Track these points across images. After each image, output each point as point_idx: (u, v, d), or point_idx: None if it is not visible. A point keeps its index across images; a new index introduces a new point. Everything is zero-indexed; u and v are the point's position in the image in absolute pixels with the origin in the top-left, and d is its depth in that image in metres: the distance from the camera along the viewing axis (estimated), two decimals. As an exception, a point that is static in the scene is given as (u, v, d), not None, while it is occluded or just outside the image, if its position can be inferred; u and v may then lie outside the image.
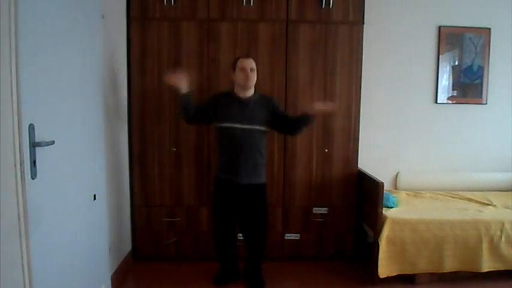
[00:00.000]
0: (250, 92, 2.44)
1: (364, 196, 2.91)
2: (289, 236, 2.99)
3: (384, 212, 2.64)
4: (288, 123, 2.49)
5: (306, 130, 2.61)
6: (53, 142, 1.53)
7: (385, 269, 2.59)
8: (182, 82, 2.35)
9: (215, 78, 2.82)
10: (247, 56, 2.50)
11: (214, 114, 2.43)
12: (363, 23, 2.86)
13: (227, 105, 2.41)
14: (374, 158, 3.24)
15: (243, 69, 2.37)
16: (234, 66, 2.42)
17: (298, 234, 2.99)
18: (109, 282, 2.29)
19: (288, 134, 2.70)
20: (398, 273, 2.61)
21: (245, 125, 2.37)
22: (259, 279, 2.59)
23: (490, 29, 3.32)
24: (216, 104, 2.44)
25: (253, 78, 2.40)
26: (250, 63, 2.40)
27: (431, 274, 2.65)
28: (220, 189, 2.51)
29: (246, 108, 2.40)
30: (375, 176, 2.77)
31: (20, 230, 1.40)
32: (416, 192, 3.25)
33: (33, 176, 1.45)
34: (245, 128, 2.37)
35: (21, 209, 1.40)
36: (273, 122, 2.47)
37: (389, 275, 2.60)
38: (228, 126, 2.39)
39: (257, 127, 2.40)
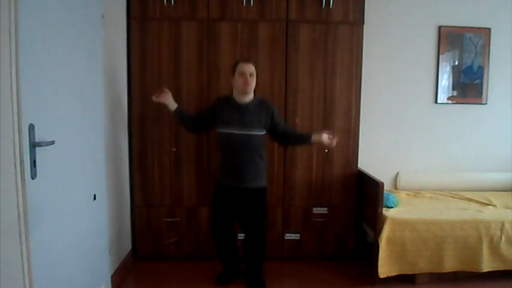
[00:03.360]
0: (249, 97, 2.42)
1: (364, 196, 2.91)
2: (289, 236, 2.99)
3: (383, 212, 2.64)
4: (283, 135, 2.49)
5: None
6: (53, 142, 1.53)
7: (385, 269, 2.59)
8: (167, 99, 2.42)
9: (215, 78, 2.82)
10: (246, 60, 2.45)
11: (214, 118, 2.43)
12: (363, 23, 2.86)
13: (226, 110, 2.40)
14: (374, 158, 3.24)
15: (242, 74, 2.34)
16: (233, 70, 2.40)
17: (298, 234, 2.99)
18: (109, 282, 2.29)
19: (279, 143, 2.68)
20: (398, 273, 2.61)
21: (244, 131, 2.36)
22: (260, 280, 2.58)
23: (490, 29, 3.32)
24: (215, 109, 2.44)
25: (253, 83, 2.37)
26: (249, 68, 2.35)
27: (431, 274, 2.65)
28: (220, 194, 2.50)
29: (244, 114, 2.38)
30: (375, 176, 2.77)
31: (20, 230, 1.40)
32: (416, 192, 3.25)
33: (33, 176, 1.45)
34: (244, 134, 2.36)
35: (21, 209, 1.40)
36: (270, 129, 2.46)
37: (389, 275, 2.59)
38: (227, 132, 2.38)
39: (256, 132, 2.39)
